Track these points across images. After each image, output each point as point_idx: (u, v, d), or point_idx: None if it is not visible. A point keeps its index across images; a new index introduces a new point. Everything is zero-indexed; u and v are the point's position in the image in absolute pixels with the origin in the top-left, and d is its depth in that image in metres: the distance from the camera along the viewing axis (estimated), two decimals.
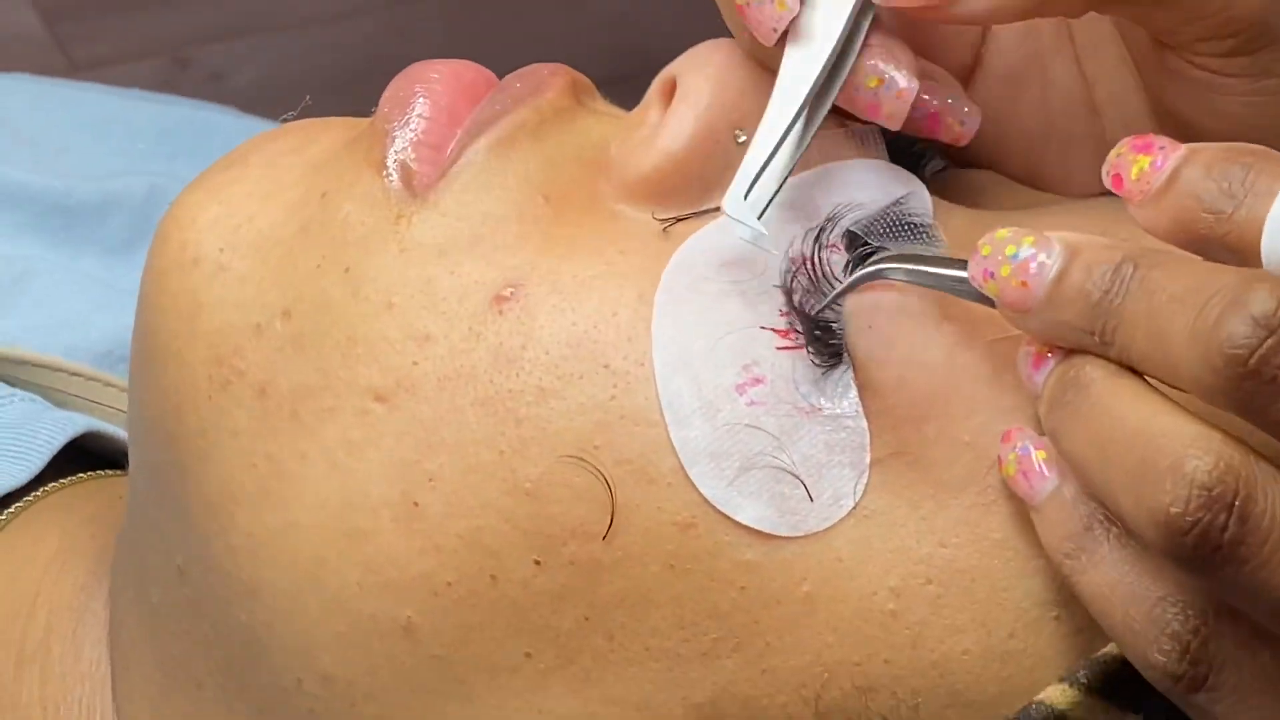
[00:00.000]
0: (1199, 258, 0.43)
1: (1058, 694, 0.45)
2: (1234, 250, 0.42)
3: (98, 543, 0.58)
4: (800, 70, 0.48)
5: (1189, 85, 0.48)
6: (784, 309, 0.48)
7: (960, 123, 0.50)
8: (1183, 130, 0.49)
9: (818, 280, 0.48)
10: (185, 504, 0.50)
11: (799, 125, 0.48)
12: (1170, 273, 0.42)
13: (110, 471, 0.65)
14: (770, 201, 0.48)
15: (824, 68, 0.48)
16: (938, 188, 0.51)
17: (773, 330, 0.47)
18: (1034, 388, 0.45)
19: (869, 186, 0.50)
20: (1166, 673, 0.42)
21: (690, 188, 0.50)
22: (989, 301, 0.44)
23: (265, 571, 0.49)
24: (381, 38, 2.72)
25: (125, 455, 0.63)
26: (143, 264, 0.53)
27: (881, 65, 0.48)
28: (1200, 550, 0.40)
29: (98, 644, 0.56)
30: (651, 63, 0.54)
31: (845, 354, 0.47)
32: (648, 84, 0.54)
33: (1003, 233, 0.44)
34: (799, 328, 0.47)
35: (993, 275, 0.44)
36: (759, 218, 0.47)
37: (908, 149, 0.52)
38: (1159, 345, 0.41)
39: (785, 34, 0.48)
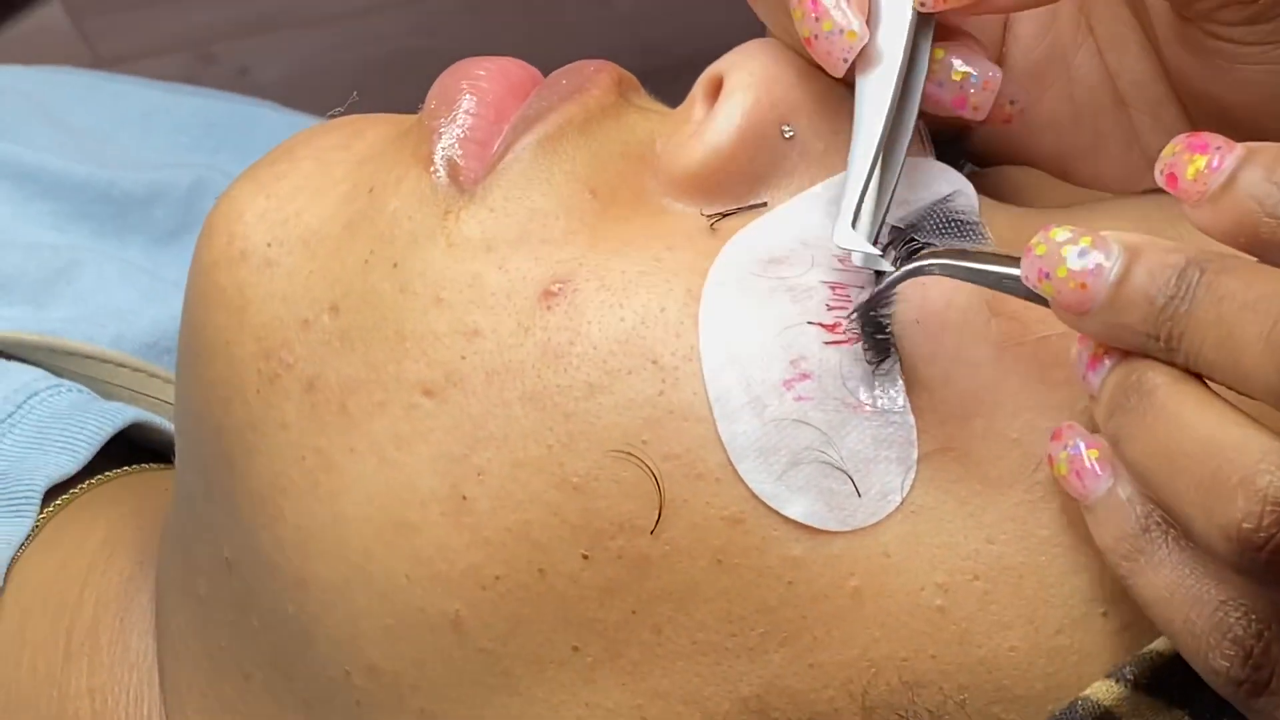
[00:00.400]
0: (1265, 264, 0.42)
1: (1104, 690, 0.45)
2: None
3: (144, 535, 0.59)
4: (876, 92, 0.48)
5: (1211, 60, 0.48)
6: (832, 303, 0.48)
7: (1011, 101, 0.51)
8: (1209, 110, 0.49)
9: (868, 276, 0.48)
10: (233, 497, 0.51)
11: (888, 143, 0.49)
12: (1241, 279, 0.41)
13: (156, 464, 0.66)
14: (881, 224, 0.48)
15: (897, 87, 0.48)
16: (980, 186, 0.52)
17: (821, 325, 0.48)
18: (1089, 388, 0.45)
19: (916, 184, 0.50)
20: (1230, 678, 0.42)
21: (737, 183, 0.50)
22: (1042, 300, 0.44)
23: (313, 564, 0.49)
24: (407, 33, 2.73)
25: (171, 447, 0.64)
26: (187, 255, 0.53)
27: (963, 61, 0.49)
28: (1274, 565, 0.40)
29: (145, 635, 0.57)
30: (675, 59, 0.54)
31: (893, 350, 0.47)
32: (674, 79, 0.54)
33: (1058, 232, 0.44)
34: (848, 322, 0.48)
35: (1048, 276, 0.44)
36: (874, 243, 0.48)
37: (947, 150, 0.53)
38: (1229, 353, 0.41)
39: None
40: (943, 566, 0.47)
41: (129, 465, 0.65)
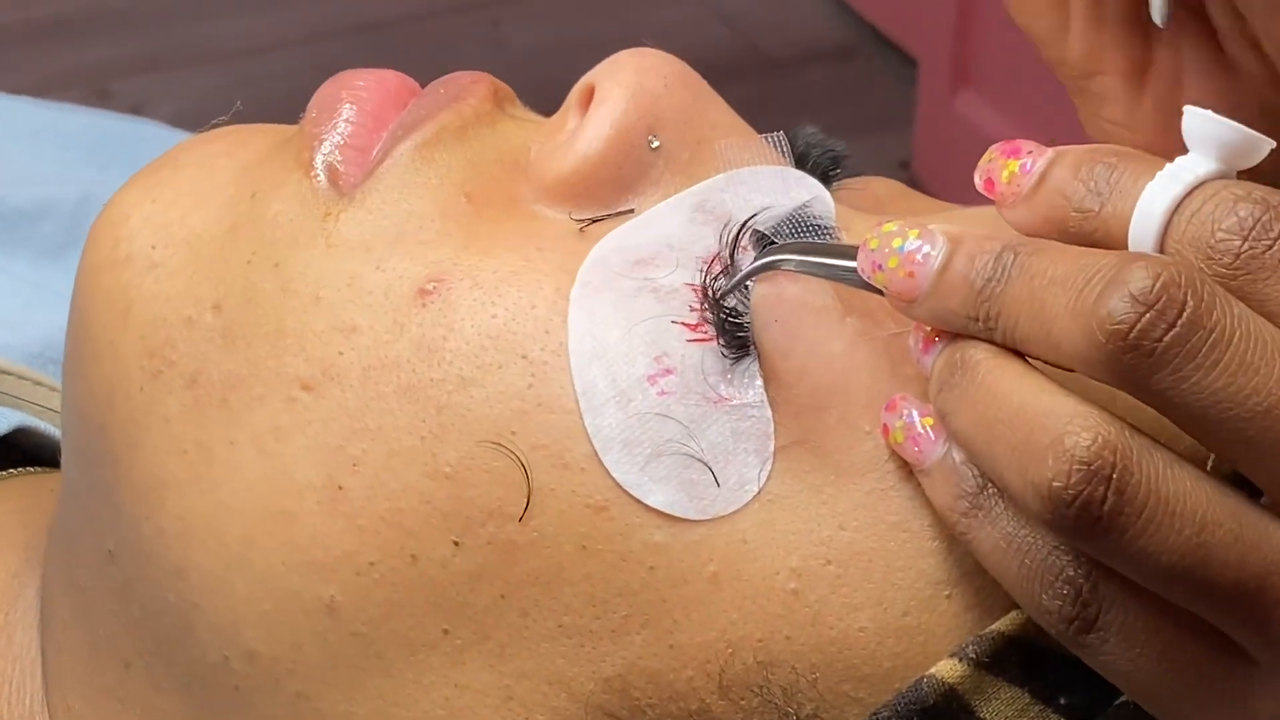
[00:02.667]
0: (1075, 246, 0.45)
1: (948, 668, 0.47)
2: (1102, 246, 0.45)
3: (30, 533, 0.60)
4: None
5: None
6: (694, 304, 0.50)
7: None
8: None
9: (728, 277, 0.50)
10: (116, 490, 0.52)
11: None
12: (1050, 258, 0.44)
13: (40, 468, 0.67)
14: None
15: None
16: (840, 197, 0.54)
17: (683, 324, 0.50)
18: (925, 369, 0.47)
19: (776, 191, 0.52)
20: (1061, 615, 0.45)
21: (606, 190, 0.52)
22: (879, 291, 0.47)
23: (194, 553, 0.50)
24: (301, 71, 2.74)
25: (55, 452, 0.65)
26: (74, 268, 0.55)
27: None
28: (1082, 521, 0.42)
29: (29, 629, 0.58)
30: (559, 99, 0.57)
31: (751, 347, 0.50)
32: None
33: (889, 226, 0.47)
34: (709, 319, 0.50)
35: (881, 267, 0.47)
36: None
37: (817, 162, 0.55)
38: (1041, 326, 0.44)
39: None
40: (797, 552, 0.48)
41: (12, 469, 0.66)
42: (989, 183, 0.48)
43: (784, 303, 0.49)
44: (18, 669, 0.57)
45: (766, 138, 0.53)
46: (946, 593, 0.48)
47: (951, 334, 0.46)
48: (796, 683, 0.48)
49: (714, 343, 0.49)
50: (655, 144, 0.52)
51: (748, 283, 0.50)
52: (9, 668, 0.57)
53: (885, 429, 0.48)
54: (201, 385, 0.51)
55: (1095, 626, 0.45)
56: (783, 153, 0.53)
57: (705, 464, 0.49)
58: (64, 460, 0.57)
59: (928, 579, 0.48)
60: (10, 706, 0.57)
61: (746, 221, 0.51)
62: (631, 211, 0.52)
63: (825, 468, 0.49)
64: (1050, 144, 0.48)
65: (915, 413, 0.48)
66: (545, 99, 0.58)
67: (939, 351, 0.47)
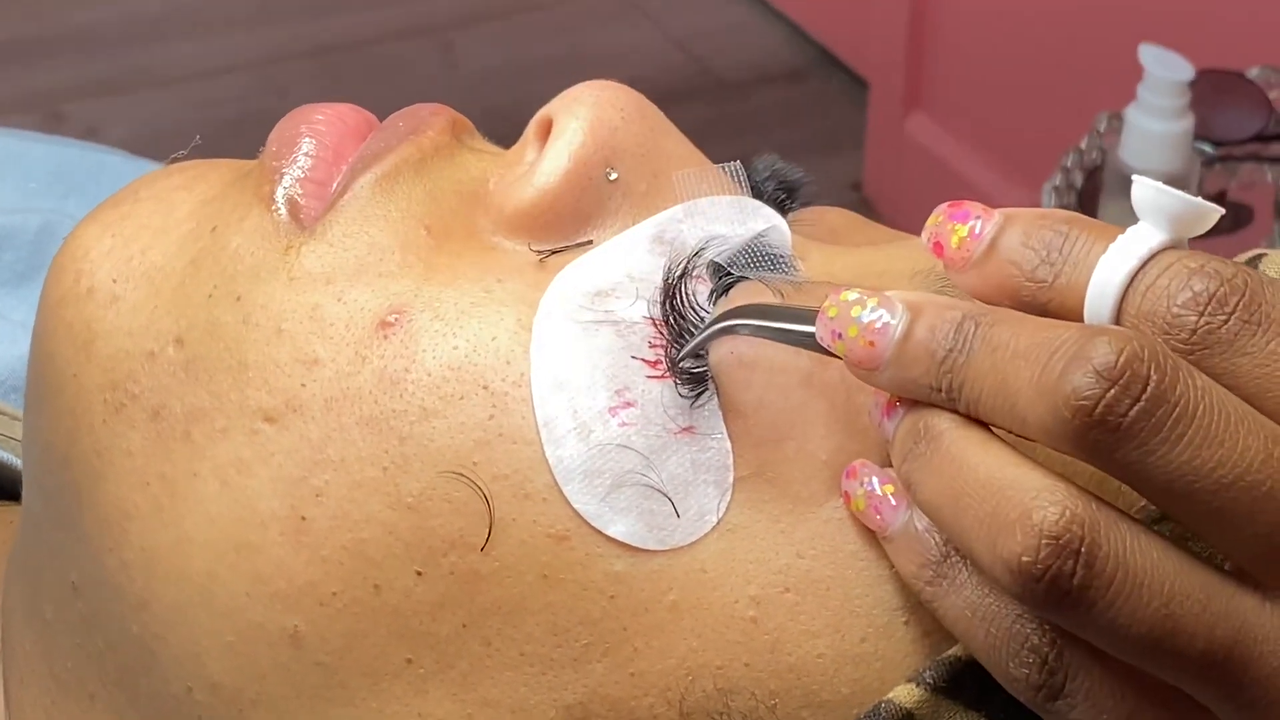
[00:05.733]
0: (1034, 317, 0.45)
1: (905, 693, 0.48)
2: (1057, 316, 0.45)
3: None
4: None
5: None
6: (654, 340, 0.51)
7: None
8: None
9: (682, 311, 0.51)
10: (79, 523, 0.52)
11: None
12: (1011, 329, 0.44)
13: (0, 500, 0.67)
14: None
15: None
16: (796, 227, 0.55)
17: (643, 360, 0.50)
18: (885, 434, 0.48)
19: (732, 221, 0.53)
20: (1029, 684, 0.45)
21: (565, 222, 0.53)
22: (838, 357, 0.47)
23: (157, 585, 0.51)
24: (255, 94, 2.74)
25: (16, 482, 0.65)
26: (34, 297, 0.55)
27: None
28: (1052, 594, 0.43)
29: None
30: (518, 123, 0.57)
31: (710, 381, 0.50)
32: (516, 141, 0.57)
33: (847, 295, 0.47)
34: (666, 358, 0.50)
35: (840, 335, 0.47)
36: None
37: (772, 193, 0.56)
38: (1005, 399, 0.44)
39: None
40: (756, 581, 0.49)
41: None
42: (938, 245, 0.48)
43: (741, 338, 0.50)
44: None
45: (723, 167, 0.54)
46: (904, 619, 0.49)
47: (912, 400, 0.47)
48: (756, 709, 0.49)
49: (672, 380, 0.50)
50: (613, 176, 0.53)
51: (706, 316, 0.51)
52: None
53: (846, 496, 0.49)
54: (164, 418, 0.51)
55: (1062, 694, 0.45)
56: (740, 182, 0.54)
57: (665, 495, 0.49)
58: (25, 491, 0.57)
59: (885, 605, 0.49)
60: None
61: (698, 252, 0.52)
62: (590, 243, 0.52)
63: (783, 498, 0.49)
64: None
65: (876, 480, 0.48)
66: (498, 122, 0.59)
67: (900, 417, 0.47)
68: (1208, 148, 1.35)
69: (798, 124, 2.77)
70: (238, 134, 0.60)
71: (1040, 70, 2.29)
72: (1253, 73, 1.44)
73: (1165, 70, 1.29)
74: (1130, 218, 0.46)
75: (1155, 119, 1.28)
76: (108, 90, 2.73)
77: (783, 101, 2.82)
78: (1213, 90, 1.37)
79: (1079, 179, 1.37)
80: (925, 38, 2.53)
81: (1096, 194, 1.33)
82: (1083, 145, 1.39)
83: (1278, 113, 1.40)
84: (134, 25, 2.87)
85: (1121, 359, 0.42)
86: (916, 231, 0.58)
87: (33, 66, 2.77)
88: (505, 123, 0.59)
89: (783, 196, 0.56)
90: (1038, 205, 1.47)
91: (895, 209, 2.51)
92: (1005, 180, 2.40)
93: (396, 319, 0.50)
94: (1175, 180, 0.45)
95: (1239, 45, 1.78)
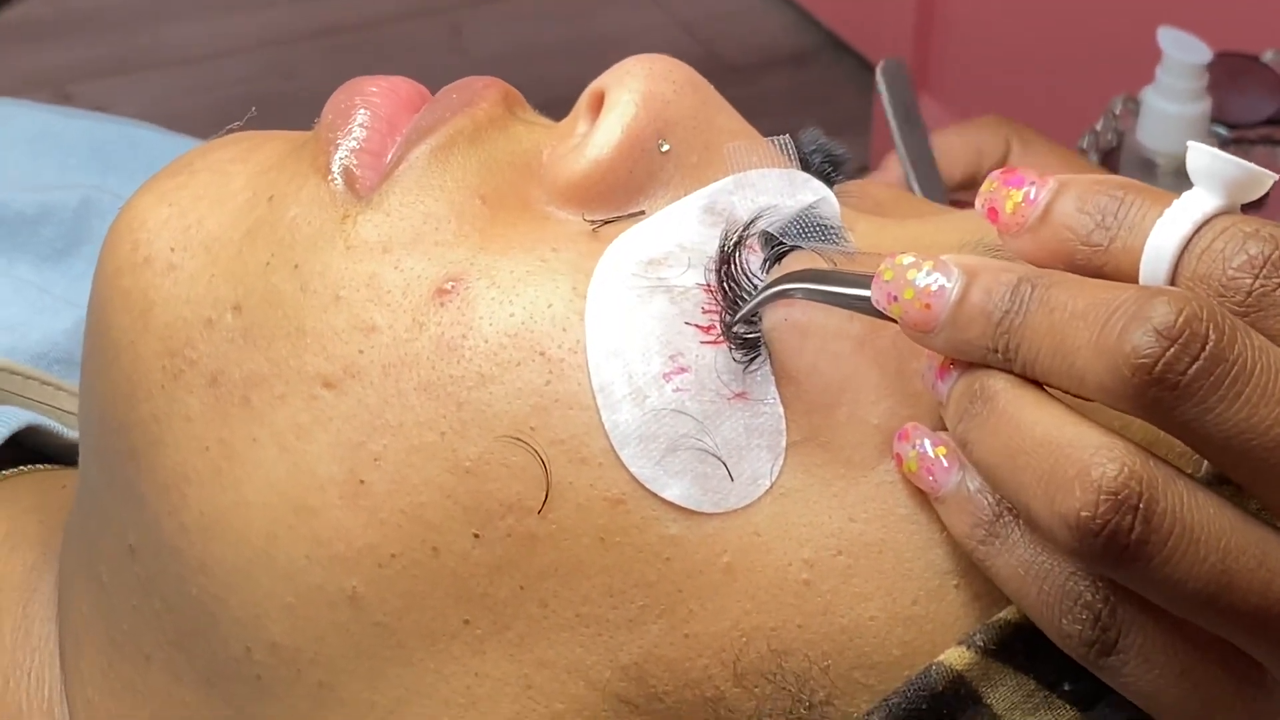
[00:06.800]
0: (1090, 279, 0.46)
1: (956, 656, 0.49)
2: (1112, 279, 0.46)
3: (46, 528, 0.61)
4: None
5: None
6: (706, 305, 0.51)
7: None
8: None
9: (736, 279, 0.52)
10: (137, 487, 0.53)
11: None
12: (1069, 291, 0.45)
13: (49, 466, 0.68)
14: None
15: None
16: (843, 199, 0.55)
17: (696, 326, 0.51)
18: (939, 395, 0.48)
19: (783, 193, 0.54)
20: (1082, 640, 0.46)
21: (617, 193, 0.53)
22: (892, 320, 0.48)
23: (216, 548, 0.51)
24: (263, 75, 2.74)
25: (64, 451, 0.66)
26: (75, 271, 0.56)
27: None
28: (1110, 550, 0.43)
29: (47, 621, 0.59)
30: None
31: (763, 347, 0.51)
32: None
33: (903, 258, 0.48)
34: (720, 323, 0.51)
35: (896, 298, 0.47)
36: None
37: (819, 165, 0.56)
38: (1063, 359, 0.45)
39: None
40: (809, 544, 0.50)
41: (24, 466, 0.67)
42: (992, 211, 0.48)
43: (794, 303, 0.51)
44: (36, 660, 0.58)
45: (772, 141, 0.55)
46: (954, 582, 0.50)
47: (966, 362, 0.47)
48: (809, 670, 0.49)
49: (726, 345, 0.51)
50: (665, 148, 0.54)
51: (759, 284, 0.51)
52: (28, 659, 0.58)
53: (898, 458, 0.49)
54: (223, 384, 0.52)
55: (1115, 650, 0.46)
56: (789, 155, 0.55)
57: (719, 459, 0.50)
58: (82, 457, 0.58)
59: (936, 569, 0.50)
60: (29, 697, 0.58)
61: (751, 222, 0.52)
62: (643, 213, 0.53)
63: (836, 462, 0.50)
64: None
65: (928, 442, 0.49)
66: None
67: (954, 379, 0.48)
68: (1221, 130, 1.36)
69: (805, 107, 2.77)
70: (244, 115, 0.61)
71: (1047, 54, 2.30)
72: (1267, 56, 1.45)
73: (1184, 53, 1.29)
74: None
75: (1173, 101, 1.29)
76: (116, 70, 2.74)
77: (790, 85, 2.83)
78: (1227, 73, 1.38)
79: (1095, 160, 1.37)
80: (933, 21, 2.53)
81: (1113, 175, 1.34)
82: (1098, 127, 1.39)
83: None
84: (142, 5, 2.87)
85: (1181, 318, 0.43)
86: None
87: (41, 47, 2.77)
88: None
89: (829, 169, 0.56)
90: None
91: None
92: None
93: (453, 286, 0.51)
94: None
95: (1252, 28, 1.79)
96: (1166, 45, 1.31)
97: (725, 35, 2.90)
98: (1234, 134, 1.38)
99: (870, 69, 2.72)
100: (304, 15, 2.88)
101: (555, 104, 0.59)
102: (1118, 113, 1.39)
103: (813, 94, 2.81)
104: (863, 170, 2.62)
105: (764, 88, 2.80)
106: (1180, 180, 0.47)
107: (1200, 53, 1.30)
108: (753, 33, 2.92)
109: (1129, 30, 1.75)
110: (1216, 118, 1.35)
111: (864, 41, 2.82)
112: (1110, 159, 1.37)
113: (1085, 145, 1.39)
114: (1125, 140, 1.34)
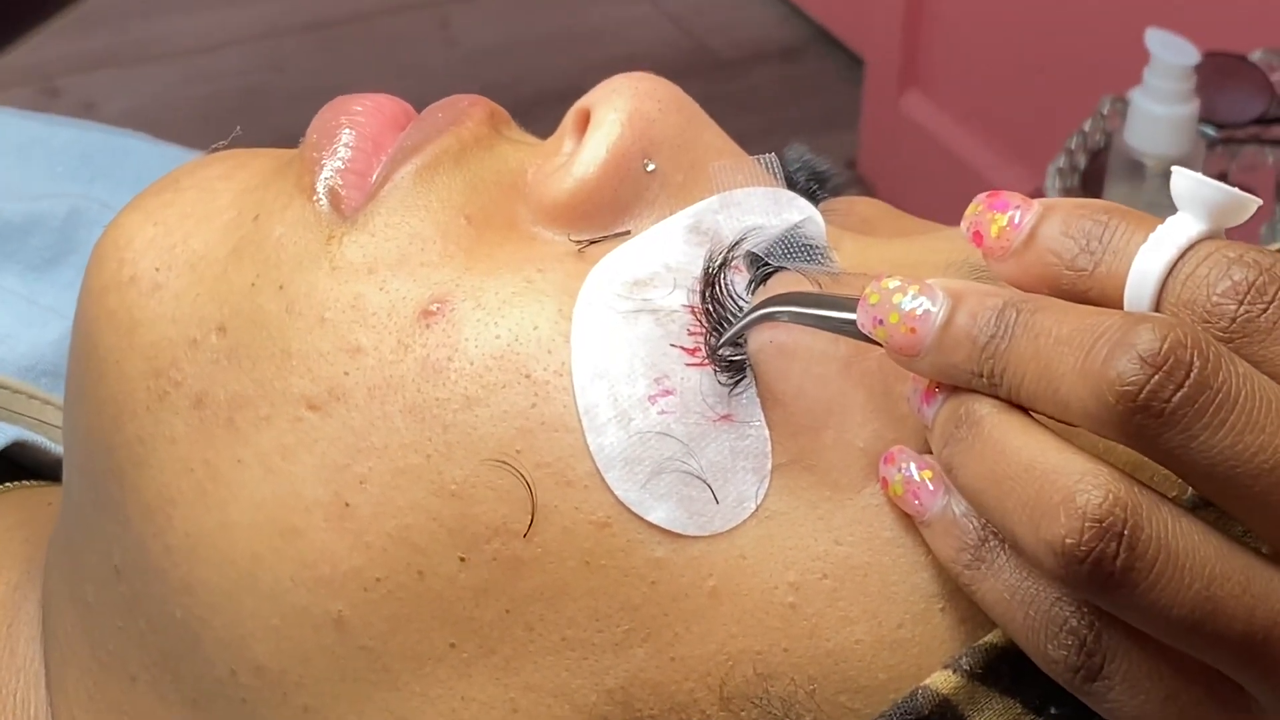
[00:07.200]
0: (1076, 304, 0.46)
1: (942, 680, 0.48)
2: (1096, 304, 0.46)
3: (30, 546, 0.61)
4: None
5: None
6: (691, 327, 0.51)
7: None
8: None
9: (721, 300, 0.52)
10: (122, 508, 0.53)
11: None
12: (1054, 316, 0.45)
13: (34, 482, 0.67)
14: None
15: None
16: (828, 217, 0.55)
17: (681, 349, 0.51)
18: (924, 419, 0.48)
19: (768, 212, 0.54)
20: (1067, 665, 0.46)
21: (603, 213, 0.53)
22: (878, 343, 0.48)
23: (201, 569, 0.51)
24: (253, 69, 2.74)
25: (50, 466, 0.66)
26: (63, 281, 0.56)
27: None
28: (1095, 576, 0.43)
29: (31, 641, 0.59)
30: (516, 98, 0.58)
31: (748, 370, 0.51)
32: (514, 117, 0.58)
33: (889, 281, 0.47)
34: (705, 346, 0.51)
35: (881, 322, 0.47)
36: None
37: (805, 184, 0.56)
38: (1048, 384, 0.45)
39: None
40: (794, 567, 0.50)
41: (9, 483, 0.67)
42: (977, 235, 0.48)
43: (779, 325, 0.51)
44: (21, 681, 0.58)
45: (758, 159, 0.55)
46: (940, 605, 0.50)
47: (952, 386, 0.47)
48: (795, 694, 0.49)
49: (711, 367, 0.51)
50: (650, 167, 0.54)
51: (744, 305, 0.51)
52: (12, 679, 0.58)
53: (884, 482, 0.49)
54: (208, 406, 0.52)
55: (1100, 675, 0.46)
56: (774, 174, 0.55)
57: (704, 482, 0.50)
58: (66, 476, 0.58)
59: (922, 592, 0.50)
60: (15, 719, 0.58)
61: (737, 243, 0.52)
62: (628, 233, 0.53)
63: (822, 485, 0.50)
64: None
65: (914, 465, 0.49)
66: (495, 98, 0.59)
67: (940, 403, 0.48)
68: (1210, 130, 1.36)
69: (793, 101, 2.77)
70: (235, 109, 0.61)
71: (1035, 50, 2.30)
72: (1255, 56, 1.45)
73: (1172, 55, 1.29)
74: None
75: (1161, 103, 1.29)
76: (104, 64, 2.73)
77: (778, 79, 2.83)
78: (1215, 73, 1.38)
79: (1082, 160, 1.37)
80: (921, 16, 2.53)
81: (1100, 176, 1.34)
82: (1086, 127, 1.39)
83: (1279, 96, 1.41)
84: None
85: (1165, 345, 0.43)
86: (922, 214, 0.59)
87: (28, 41, 2.77)
88: (502, 99, 0.59)
89: (814, 187, 0.56)
90: (1036, 185, 1.48)
91: (890, 187, 2.52)
92: (999, 159, 2.41)
93: (439, 308, 0.51)
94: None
95: (1241, 28, 1.79)
96: (1154, 47, 1.31)
97: (714, 29, 2.90)
98: (1222, 133, 1.38)
99: (859, 63, 2.73)
100: (294, 9, 2.88)
101: (544, 97, 0.59)
102: (1105, 113, 1.39)
103: (802, 88, 2.81)
104: (850, 165, 2.62)
105: (753, 82, 2.80)
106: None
107: (1188, 54, 1.31)
108: (742, 26, 2.92)
109: (1117, 31, 1.75)
110: (1205, 117, 1.35)
111: (853, 36, 2.82)
112: (1098, 160, 1.37)
113: (1074, 146, 1.39)
114: (1113, 141, 1.34)
